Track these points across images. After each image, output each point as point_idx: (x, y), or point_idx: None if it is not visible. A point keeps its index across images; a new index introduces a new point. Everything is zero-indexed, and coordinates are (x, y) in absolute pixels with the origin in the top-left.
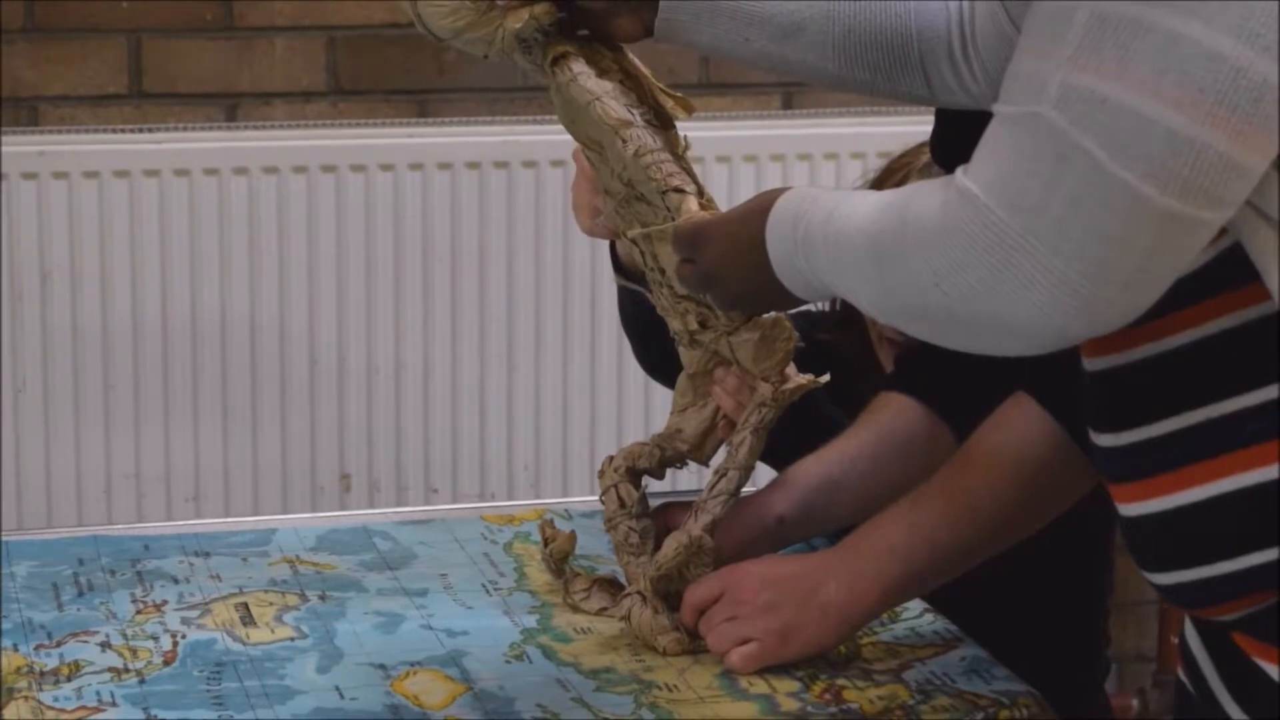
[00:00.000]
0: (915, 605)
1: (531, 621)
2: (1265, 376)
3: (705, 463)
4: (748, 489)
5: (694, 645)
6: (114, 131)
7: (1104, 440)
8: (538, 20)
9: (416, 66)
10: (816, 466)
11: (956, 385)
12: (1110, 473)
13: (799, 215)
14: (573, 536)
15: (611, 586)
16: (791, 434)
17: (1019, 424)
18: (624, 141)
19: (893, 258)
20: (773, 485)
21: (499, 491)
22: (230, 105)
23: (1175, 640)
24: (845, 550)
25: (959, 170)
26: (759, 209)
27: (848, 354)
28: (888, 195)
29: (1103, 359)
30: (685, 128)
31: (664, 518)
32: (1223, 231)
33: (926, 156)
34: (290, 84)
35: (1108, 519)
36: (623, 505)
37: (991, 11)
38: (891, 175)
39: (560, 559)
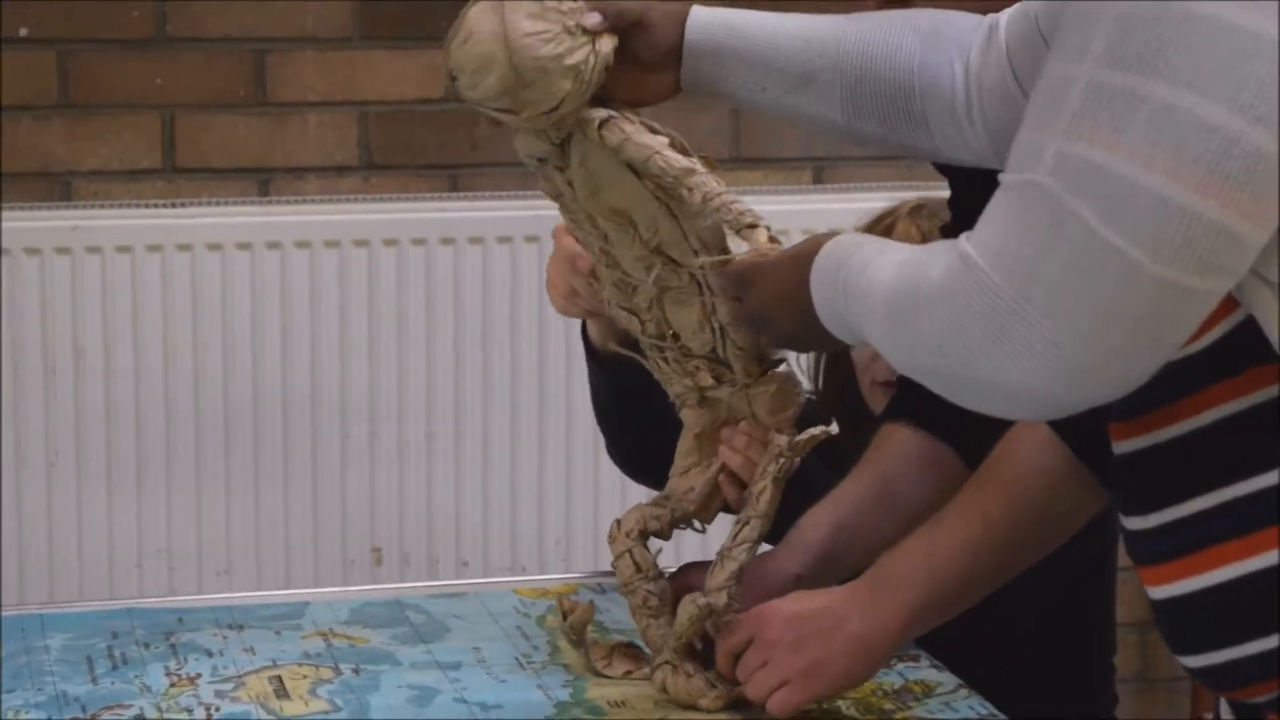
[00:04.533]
0: (950, 680)
1: (565, 695)
2: None
3: (709, 521)
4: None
5: (737, 692)
6: (147, 206)
7: (1133, 524)
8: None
9: (448, 141)
10: (827, 516)
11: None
12: (1141, 556)
13: (841, 263)
14: (590, 607)
15: (630, 650)
16: (790, 505)
17: (1030, 447)
18: (689, 190)
19: (902, 317)
20: (786, 544)
21: (530, 564)
22: (263, 180)
23: (1208, 717)
24: (867, 582)
25: (962, 236)
26: (808, 253)
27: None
28: (908, 253)
29: (1129, 442)
30: None
31: (684, 579)
32: (1238, 306)
33: (913, 204)
34: (323, 159)
35: (1107, 536)
36: (639, 569)
37: (1000, 72)
38: (881, 221)
39: (580, 629)
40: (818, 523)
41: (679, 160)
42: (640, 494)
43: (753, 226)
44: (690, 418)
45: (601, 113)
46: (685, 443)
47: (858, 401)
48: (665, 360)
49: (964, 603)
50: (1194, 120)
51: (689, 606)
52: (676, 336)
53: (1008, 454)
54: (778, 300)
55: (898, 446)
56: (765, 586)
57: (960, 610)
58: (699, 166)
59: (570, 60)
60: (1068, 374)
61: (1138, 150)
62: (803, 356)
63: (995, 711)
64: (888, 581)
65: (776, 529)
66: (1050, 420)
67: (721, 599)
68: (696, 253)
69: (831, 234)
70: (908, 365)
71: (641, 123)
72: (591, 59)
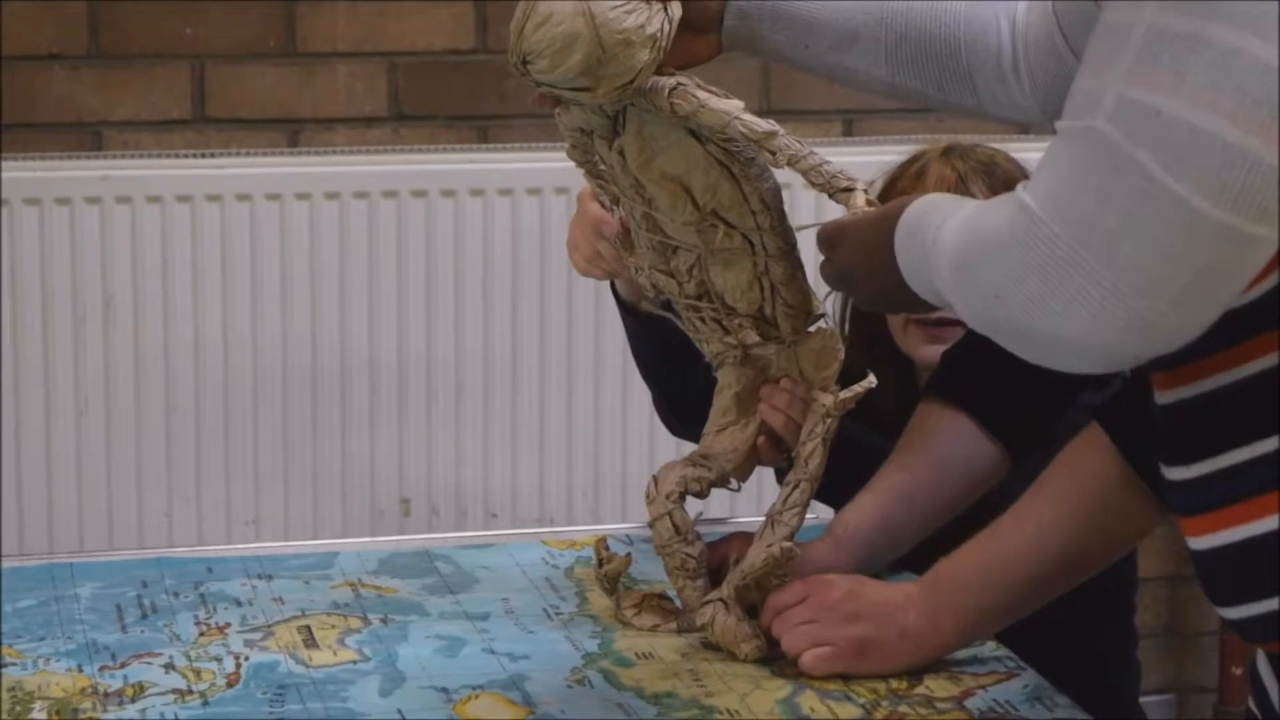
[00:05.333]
0: None
1: (593, 646)
2: None
3: (744, 481)
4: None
5: (773, 653)
6: (177, 157)
7: (1175, 474)
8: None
9: (478, 92)
10: (874, 509)
11: (1002, 393)
12: (1182, 507)
13: (922, 223)
14: (627, 558)
15: (662, 603)
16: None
17: (1088, 457)
18: (773, 153)
19: (964, 269)
20: (831, 537)
21: (558, 517)
22: (292, 131)
23: (1237, 671)
24: (925, 585)
25: (1020, 185)
26: (894, 213)
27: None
28: (971, 207)
29: (1173, 391)
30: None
31: (725, 547)
32: None
33: (945, 144)
34: (352, 109)
35: None
36: (678, 532)
37: (1047, 27)
38: (913, 163)
39: (614, 579)
40: (864, 518)
41: (760, 124)
42: (666, 446)
43: (849, 190)
44: (729, 376)
45: (670, 81)
46: (723, 401)
47: (888, 349)
48: (703, 320)
49: (1022, 609)
50: (1257, 64)
51: (764, 548)
52: (719, 296)
53: (1067, 463)
54: (864, 261)
55: (942, 432)
56: (807, 576)
57: (1019, 616)
58: (779, 128)
59: (650, 29)
60: (1126, 323)
61: (1199, 95)
62: (833, 309)
63: (1022, 663)
64: (945, 586)
65: (829, 490)
66: (1114, 434)
67: (790, 552)
68: (755, 214)
69: (916, 196)
70: (973, 317)
71: (708, 88)
72: (666, 25)
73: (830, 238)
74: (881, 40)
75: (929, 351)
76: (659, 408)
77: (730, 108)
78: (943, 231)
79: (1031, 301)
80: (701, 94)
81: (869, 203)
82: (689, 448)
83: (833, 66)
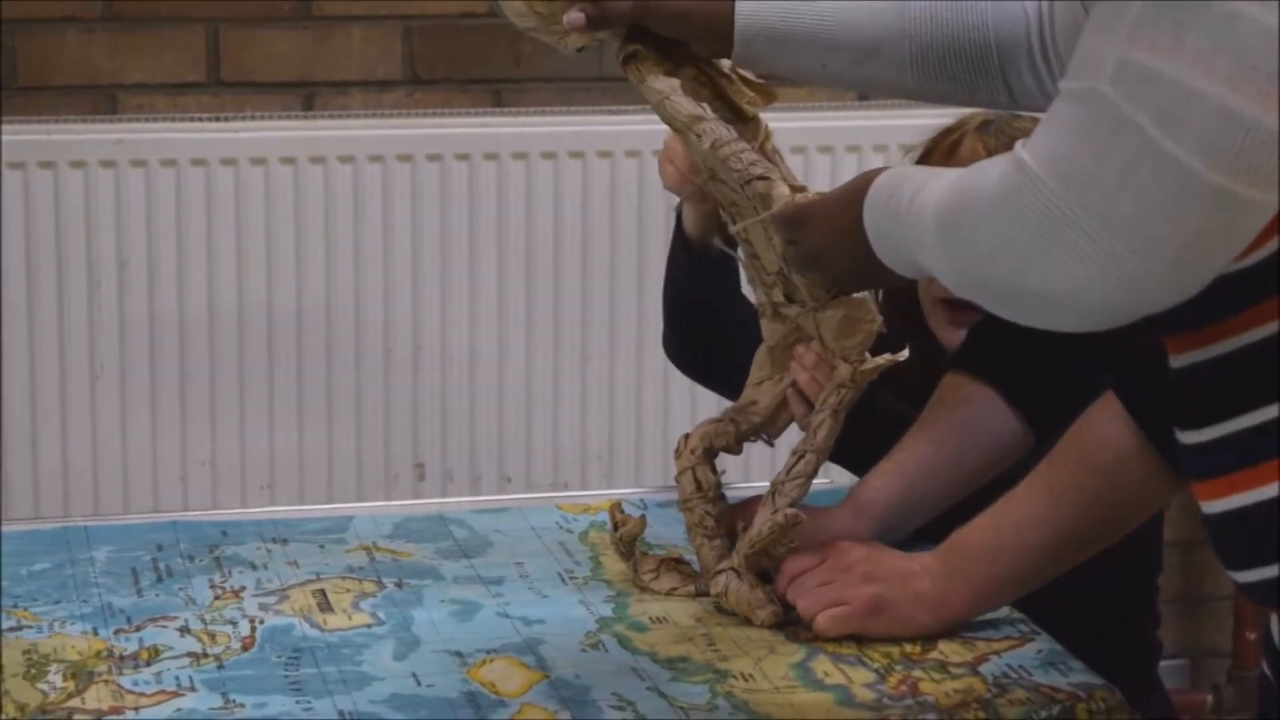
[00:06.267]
0: None
1: (607, 610)
2: None
3: (776, 436)
4: (820, 483)
5: (789, 618)
6: (191, 120)
7: (1188, 437)
8: (599, 42)
9: (493, 56)
10: (895, 478)
11: (1029, 368)
12: (1194, 470)
13: (892, 193)
14: (642, 520)
15: (680, 566)
16: (855, 430)
17: (1101, 426)
18: (698, 136)
19: (953, 230)
20: (852, 505)
21: (572, 481)
22: (307, 94)
23: (1251, 636)
24: (940, 553)
25: (1018, 143)
26: (858, 189)
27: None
28: (960, 170)
29: (1186, 355)
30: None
31: (747, 509)
32: None
33: (981, 118)
34: (367, 73)
35: None
36: (699, 488)
37: (1072, 10)
38: (948, 136)
39: (629, 542)
40: (884, 487)
41: (686, 106)
42: (681, 410)
43: (765, 179)
44: (766, 330)
45: (628, 49)
46: (760, 355)
47: (922, 320)
48: (749, 269)
49: (1036, 579)
50: (1257, 28)
51: (769, 516)
52: (748, 246)
53: (1079, 433)
54: (832, 239)
55: (967, 404)
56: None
57: (1034, 586)
58: (707, 113)
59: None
60: (1121, 283)
61: (1199, 58)
62: None
63: (1037, 628)
64: (959, 554)
65: (851, 456)
66: (1129, 404)
67: (795, 518)
68: (744, 185)
69: (881, 169)
70: (960, 279)
71: (662, 60)
72: (563, 45)
73: (792, 220)
74: (906, 51)
75: (953, 335)
76: (666, 346)
77: (664, 87)
78: (921, 198)
79: (1025, 259)
80: (646, 67)
81: (794, 187)
82: (703, 411)
83: (854, 80)
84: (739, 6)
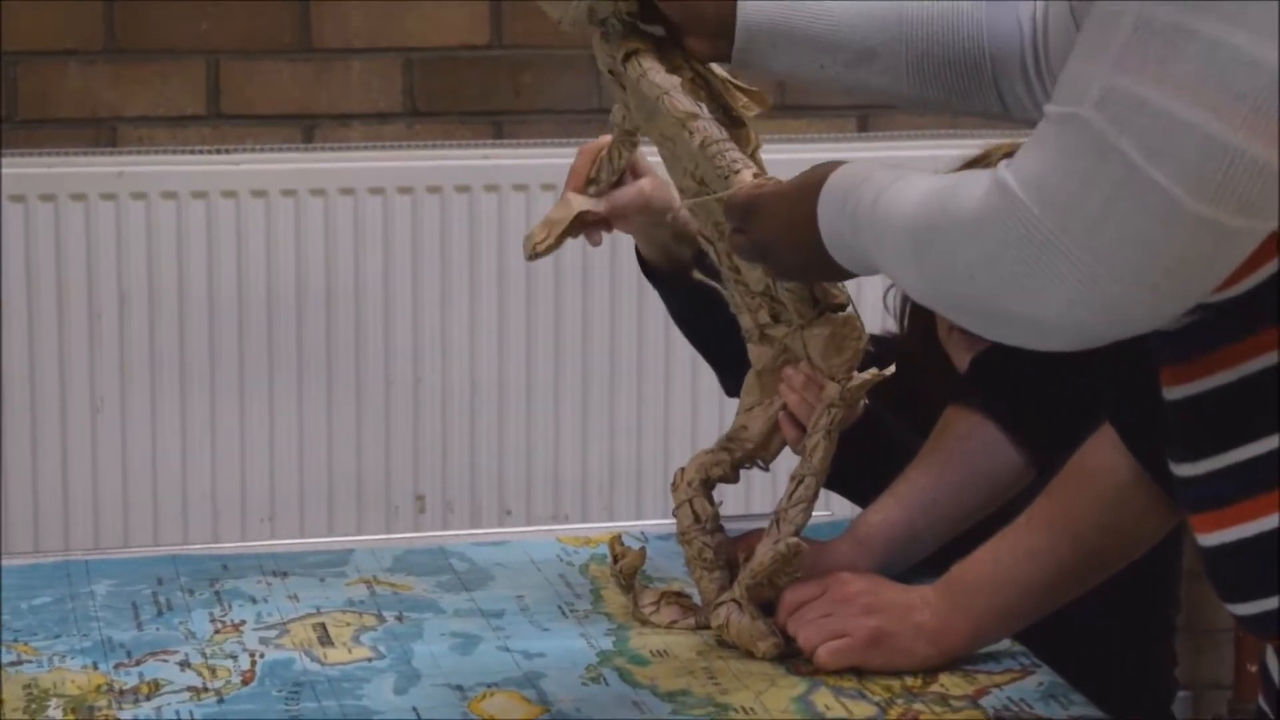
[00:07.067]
0: None
1: (608, 643)
2: None
3: (771, 461)
4: (821, 514)
5: (790, 649)
6: (192, 152)
7: (1184, 470)
8: (617, 7)
9: (492, 88)
10: (895, 512)
11: (1031, 401)
12: (1190, 503)
13: (849, 192)
14: (642, 553)
15: (680, 600)
16: (862, 459)
17: (1102, 459)
18: (690, 133)
19: (930, 245)
20: (853, 538)
21: (573, 513)
22: (307, 126)
23: (1252, 668)
24: (940, 586)
25: (1001, 164)
26: (813, 182)
27: (912, 354)
28: (935, 181)
29: (1180, 388)
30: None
31: (747, 541)
32: None
33: (1010, 146)
34: (367, 105)
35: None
36: (697, 520)
37: (1065, 27)
38: (976, 165)
39: (630, 575)
40: (886, 520)
41: (683, 103)
42: (681, 443)
43: (738, 173)
44: (753, 354)
45: (629, 45)
46: (749, 380)
47: (942, 349)
48: (734, 294)
49: (1037, 611)
50: (1242, 57)
51: (771, 545)
52: (734, 268)
53: (1078, 465)
54: (783, 231)
55: (969, 437)
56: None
57: (1035, 618)
58: (703, 113)
59: None
60: (1103, 307)
61: (1184, 85)
62: (892, 299)
63: (1038, 661)
64: (959, 588)
65: (844, 475)
66: (1127, 437)
67: (797, 548)
68: (725, 179)
69: (835, 163)
70: (932, 294)
71: (661, 60)
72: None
73: (742, 208)
74: (902, 57)
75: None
76: (722, 383)
77: (664, 83)
78: (886, 204)
79: (1005, 281)
80: (647, 63)
81: (755, 175)
82: (703, 443)
83: (850, 84)
84: (741, 5)
